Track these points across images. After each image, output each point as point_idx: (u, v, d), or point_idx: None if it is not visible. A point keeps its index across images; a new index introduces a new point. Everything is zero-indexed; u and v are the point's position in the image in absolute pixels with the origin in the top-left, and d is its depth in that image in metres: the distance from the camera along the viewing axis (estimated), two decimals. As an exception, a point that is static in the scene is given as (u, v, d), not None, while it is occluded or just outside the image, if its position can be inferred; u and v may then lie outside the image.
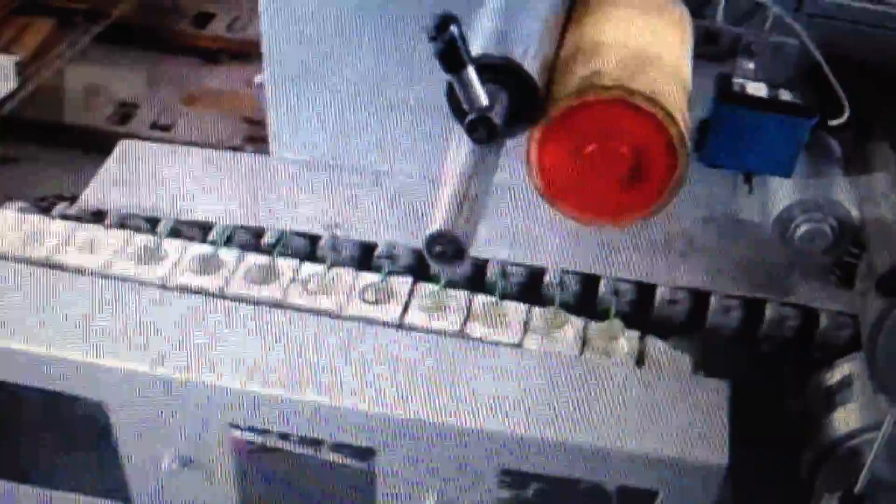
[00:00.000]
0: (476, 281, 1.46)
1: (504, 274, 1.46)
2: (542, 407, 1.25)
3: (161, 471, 1.33)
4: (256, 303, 1.37)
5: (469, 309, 1.38)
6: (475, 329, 1.35)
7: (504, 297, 1.41)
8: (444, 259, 0.96)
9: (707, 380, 1.30)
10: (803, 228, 1.22)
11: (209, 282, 1.39)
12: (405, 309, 1.38)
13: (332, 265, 1.43)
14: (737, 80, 1.05)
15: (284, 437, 1.33)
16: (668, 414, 1.25)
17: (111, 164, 1.60)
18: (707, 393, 1.27)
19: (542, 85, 0.95)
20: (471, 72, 0.88)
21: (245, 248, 1.46)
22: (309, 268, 1.42)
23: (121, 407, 1.31)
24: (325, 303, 1.38)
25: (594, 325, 1.38)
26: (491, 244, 1.42)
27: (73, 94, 2.39)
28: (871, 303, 1.22)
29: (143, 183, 1.54)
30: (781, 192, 1.23)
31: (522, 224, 1.45)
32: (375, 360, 1.31)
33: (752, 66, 1.20)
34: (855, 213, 1.21)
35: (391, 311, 1.37)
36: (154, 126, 2.32)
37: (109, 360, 1.28)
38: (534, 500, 1.34)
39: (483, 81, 0.90)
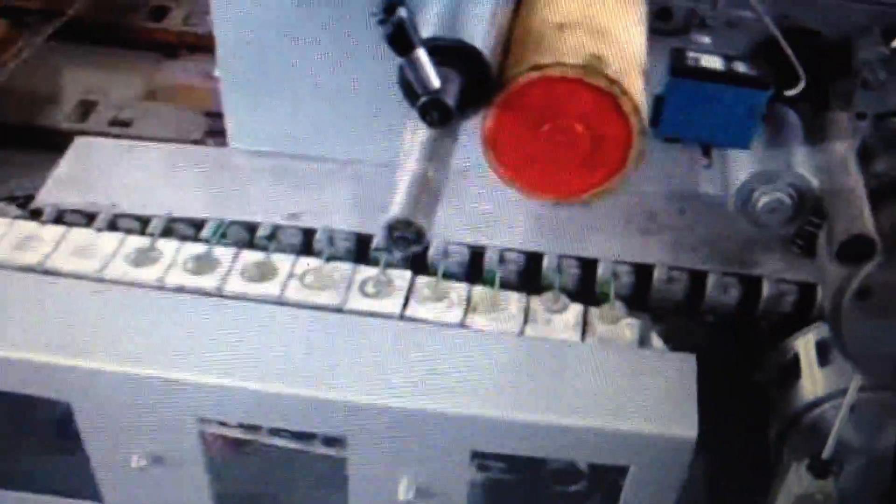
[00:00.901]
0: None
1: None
2: (512, 388, 1.26)
3: (131, 469, 1.32)
4: (244, 299, 1.37)
5: (469, 299, 1.38)
6: (475, 320, 1.35)
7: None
8: (403, 244, 0.96)
9: (674, 354, 1.31)
10: (763, 200, 1.22)
11: (205, 282, 1.39)
12: (406, 301, 1.38)
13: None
14: (691, 54, 1.04)
15: (254, 428, 1.32)
16: (636, 390, 1.25)
17: (66, 163, 1.58)
18: (674, 367, 1.28)
19: (496, 65, 0.95)
20: (421, 54, 0.87)
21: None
22: (305, 262, 1.41)
23: (87, 407, 1.29)
24: (324, 297, 1.37)
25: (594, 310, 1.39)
26: (451, 227, 1.42)
27: (28, 93, 2.36)
28: (832, 271, 1.23)
29: (98, 180, 1.52)
30: (741, 165, 1.22)
31: (483, 205, 1.44)
32: (344, 349, 1.30)
33: (707, 39, 1.20)
34: (814, 183, 1.22)
35: (391, 304, 1.37)
36: (114, 123, 2.29)
37: (72, 360, 1.27)
38: (507, 480, 1.34)
39: (435, 63, 0.89)
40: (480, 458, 1.30)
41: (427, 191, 0.96)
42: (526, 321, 1.35)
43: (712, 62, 1.03)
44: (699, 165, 1.10)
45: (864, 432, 1.38)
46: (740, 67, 1.03)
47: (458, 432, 1.25)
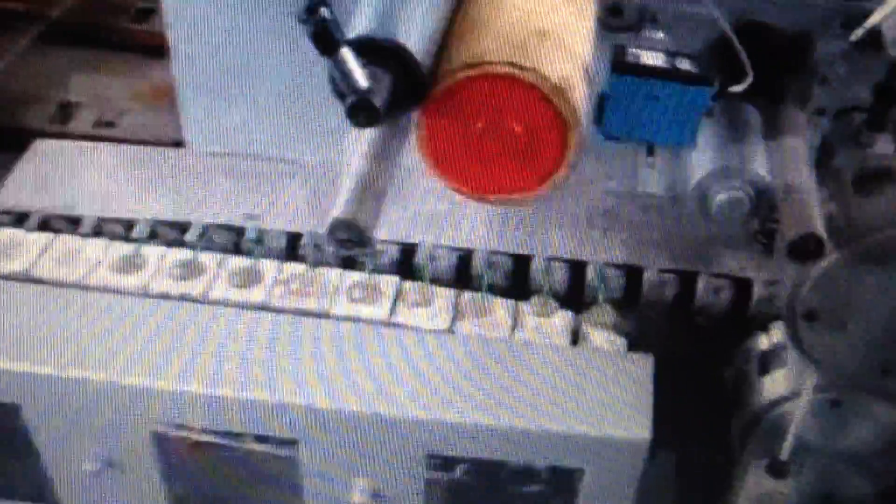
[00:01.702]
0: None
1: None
2: (466, 391, 1.24)
3: (83, 472, 1.31)
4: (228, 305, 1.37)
5: (457, 303, 1.38)
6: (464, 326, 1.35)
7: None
8: (347, 246, 0.95)
9: (632, 355, 1.29)
10: (721, 198, 1.21)
11: (190, 288, 1.38)
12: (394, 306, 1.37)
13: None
14: (632, 51, 1.03)
15: (207, 430, 1.32)
16: (592, 391, 1.24)
17: (24, 164, 1.58)
18: (631, 368, 1.27)
19: (428, 63, 0.93)
20: (346, 54, 0.86)
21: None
22: (292, 268, 1.41)
23: (37, 411, 1.29)
24: (310, 303, 1.37)
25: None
26: (409, 228, 1.41)
27: (12, 96, 2.36)
28: (787, 269, 1.22)
29: (57, 182, 1.52)
30: (697, 163, 1.21)
31: (441, 206, 1.44)
32: (302, 353, 1.30)
33: (660, 36, 1.18)
34: (771, 179, 1.20)
35: (378, 310, 1.36)
36: (98, 124, 2.29)
37: (21, 364, 1.26)
38: (464, 481, 1.33)
39: (365, 63, 0.88)
40: (436, 461, 1.29)
41: (371, 191, 0.95)
42: (515, 326, 1.35)
43: (654, 59, 1.01)
44: (643, 165, 1.09)
45: (824, 432, 1.37)
46: (683, 64, 1.02)
47: (412, 436, 1.24)
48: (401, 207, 1.45)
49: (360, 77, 0.87)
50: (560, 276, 1.44)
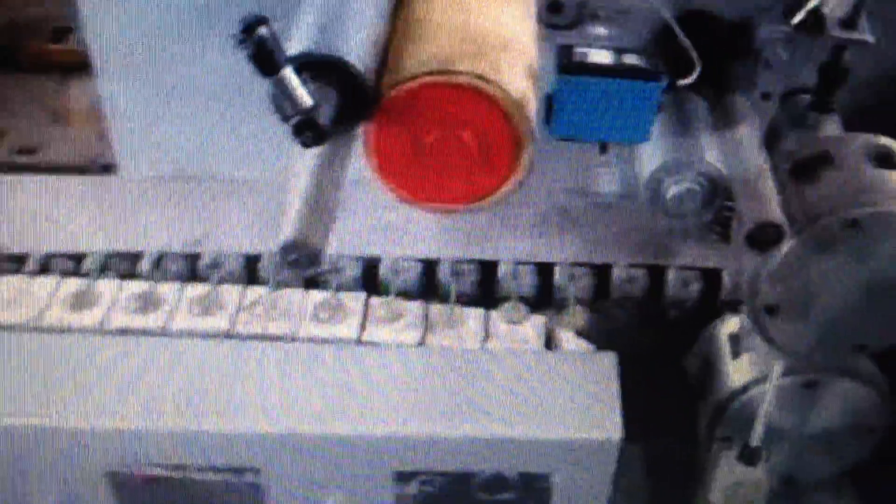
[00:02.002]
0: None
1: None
2: (431, 404, 1.22)
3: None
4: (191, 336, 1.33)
5: (427, 317, 1.36)
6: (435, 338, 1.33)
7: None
8: (299, 266, 0.92)
9: (596, 354, 1.28)
10: (673, 190, 1.20)
11: (150, 321, 1.34)
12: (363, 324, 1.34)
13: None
14: (579, 50, 1.01)
15: (165, 466, 1.27)
16: (558, 394, 1.23)
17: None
18: (597, 368, 1.25)
19: (372, 76, 0.90)
20: (288, 73, 0.83)
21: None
22: (254, 292, 1.38)
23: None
24: (275, 327, 1.34)
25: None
26: (361, 239, 1.38)
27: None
28: (746, 257, 1.21)
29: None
30: (648, 156, 1.20)
31: (392, 215, 1.41)
32: (262, 378, 1.26)
33: (601, 31, 1.16)
34: (723, 169, 1.19)
35: (346, 329, 1.34)
36: (21, 151, 2.21)
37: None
38: (434, 494, 1.31)
39: (307, 80, 0.85)
40: (405, 475, 1.26)
41: (320, 209, 0.92)
42: (487, 336, 1.34)
43: (601, 57, 1.00)
44: (595, 163, 1.07)
45: (792, 415, 1.37)
46: (631, 60, 1.00)
47: (379, 454, 1.22)
48: (358, 220, 1.41)
49: (304, 96, 0.84)
50: (527, 279, 1.42)
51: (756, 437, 1.29)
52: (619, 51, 1.01)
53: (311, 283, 1.40)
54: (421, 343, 1.31)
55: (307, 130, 0.84)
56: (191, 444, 1.20)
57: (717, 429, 1.37)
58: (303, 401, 1.22)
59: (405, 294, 1.40)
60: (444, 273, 1.42)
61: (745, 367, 1.36)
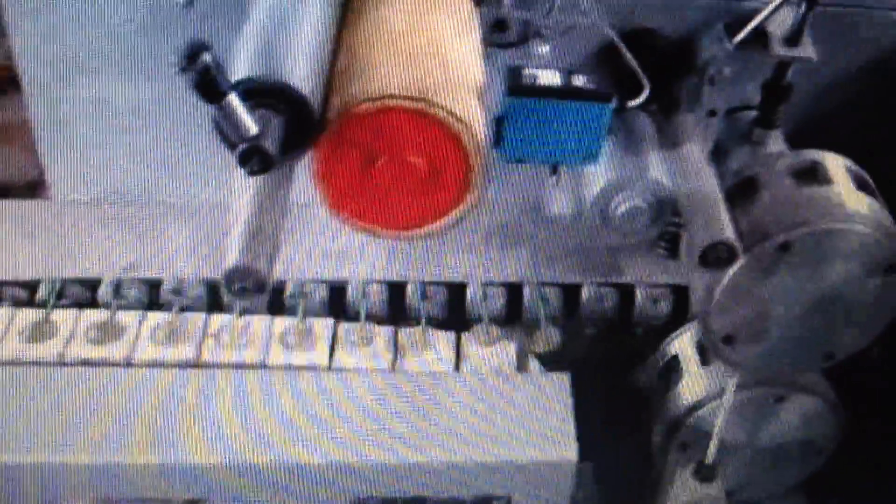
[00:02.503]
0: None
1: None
2: (385, 430, 1.20)
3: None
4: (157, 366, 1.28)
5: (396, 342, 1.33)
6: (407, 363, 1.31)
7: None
8: (245, 294, 0.90)
9: (548, 375, 1.27)
10: (622, 208, 1.20)
11: (112, 351, 1.29)
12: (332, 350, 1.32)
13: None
14: (528, 71, 1.00)
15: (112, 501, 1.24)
16: (512, 417, 1.21)
17: None
18: (550, 388, 1.24)
19: (318, 102, 0.89)
20: (233, 100, 0.80)
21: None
22: (218, 319, 1.33)
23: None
24: (245, 355, 1.30)
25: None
26: (299, 263, 1.36)
27: None
28: (698, 275, 1.21)
29: None
30: (596, 175, 1.20)
31: (330, 240, 1.39)
32: (223, 407, 1.22)
33: (546, 49, 1.16)
34: (671, 186, 1.20)
35: (316, 355, 1.31)
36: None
37: None
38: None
39: (252, 107, 0.83)
40: (363, 502, 1.24)
41: (265, 235, 0.90)
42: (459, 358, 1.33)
43: (550, 78, 0.99)
44: (547, 184, 1.07)
45: (746, 430, 1.37)
46: (580, 81, 0.99)
47: (336, 481, 1.19)
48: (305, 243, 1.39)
49: (249, 123, 0.82)
50: (498, 300, 1.42)
51: (711, 453, 1.30)
52: (567, 72, 1.00)
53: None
54: (392, 368, 1.30)
55: (254, 158, 0.83)
56: (137, 476, 1.16)
57: (671, 445, 1.37)
58: (259, 430, 1.19)
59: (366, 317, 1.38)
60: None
61: (699, 383, 1.36)
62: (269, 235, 0.90)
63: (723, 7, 1.22)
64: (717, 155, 1.27)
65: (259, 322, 1.34)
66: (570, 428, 1.20)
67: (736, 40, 1.19)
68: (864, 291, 1.18)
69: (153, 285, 1.38)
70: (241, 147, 0.82)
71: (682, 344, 1.41)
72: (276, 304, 1.39)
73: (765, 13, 1.17)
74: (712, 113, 1.24)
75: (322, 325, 1.33)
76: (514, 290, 1.42)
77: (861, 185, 1.18)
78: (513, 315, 1.42)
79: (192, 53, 0.77)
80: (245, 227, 0.90)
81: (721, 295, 1.18)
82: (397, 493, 1.21)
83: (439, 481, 1.19)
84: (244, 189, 0.92)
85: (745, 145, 1.28)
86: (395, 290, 1.41)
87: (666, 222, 1.24)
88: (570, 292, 1.44)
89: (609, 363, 1.46)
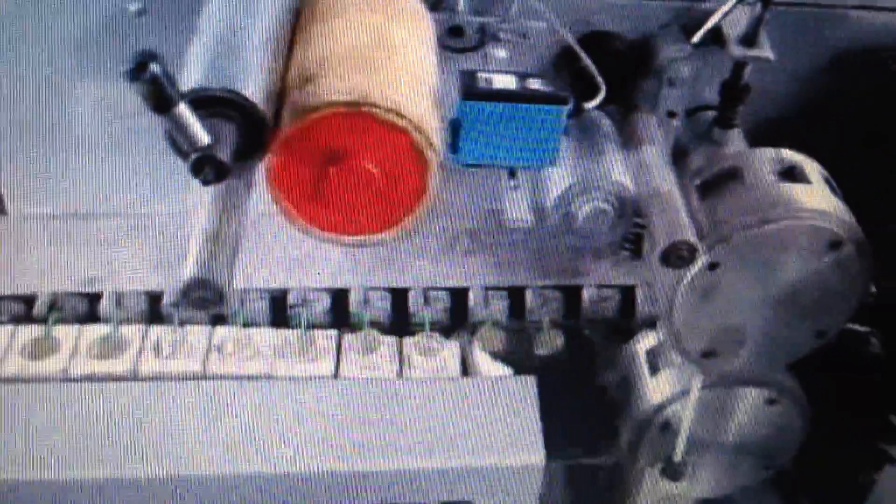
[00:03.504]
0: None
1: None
2: (348, 438, 1.19)
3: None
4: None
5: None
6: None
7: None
8: (203, 305, 0.89)
9: (514, 378, 1.27)
10: (584, 210, 1.20)
11: (116, 365, 1.28)
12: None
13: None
14: (482, 75, 1.00)
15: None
16: (478, 421, 1.21)
17: None
18: (516, 392, 1.25)
19: (270, 110, 0.88)
20: (183, 109, 0.80)
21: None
22: (222, 331, 1.33)
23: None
24: (251, 367, 1.30)
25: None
26: (262, 272, 1.36)
27: None
28: (661, 274, 1.22)
29: None
30: (557, 177, 1.20)
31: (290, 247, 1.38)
32: (173, 419, 1.22)
33: (503, 54, 1.17)
34: (631, 186, 1.20)
35: (322, 366, 1.31)
36: None
37: None
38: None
39: (203, 117, 0.83)
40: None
41: (223, 245, 0.90)
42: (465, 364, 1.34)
43: (505, 81, 0.99)
44: (506, 187, 1.07)
45: (713, 428, 1.38)
46: (535, 84, 0.99)
47: (295, 492, 1.18)
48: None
49: (200, 132, 0.81)
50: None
51: (679, 452, 1.30)
52: (523, 75, 1.00)
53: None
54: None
55: (207, 168, 0.82)
56: (95, 493, 1.16)
57: (639, 445, 1.38)
58: (214, 441, 1.18)
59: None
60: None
61: (664, 382, 1.37)
62: (228, 245, 0.90)
63: (679, 8, 1.23)
64: (678, 155, 1.28)
65: (263, 333, 1.35)
66: (537, 431, 1.20)
67: (693, 41, 1.20)
68: (828, 278, 1.19)
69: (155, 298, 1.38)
70: (194, 157, 0.82)
71: (650, 343, 1.42)
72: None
73: (720, 13, 1.18)
74: (671, 114, 1.25)
75: (324, 337, 1.34)
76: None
77: (832, 188, 1.19)
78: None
79: (141, 63, 0.76)
80: (202, 238, 0.90)
81: (684, 312, 1.19)
82: (363, 502, 1.21)
83: (406, 488, 1.19)
84: (201, 199, 0.92)
85: (705, 145, 1.29)
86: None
87: (629, 224, 1.24)
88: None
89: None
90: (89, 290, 1.34)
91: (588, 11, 1.22)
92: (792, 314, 1.21)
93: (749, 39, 1.19)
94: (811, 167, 1.19)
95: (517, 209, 1.06)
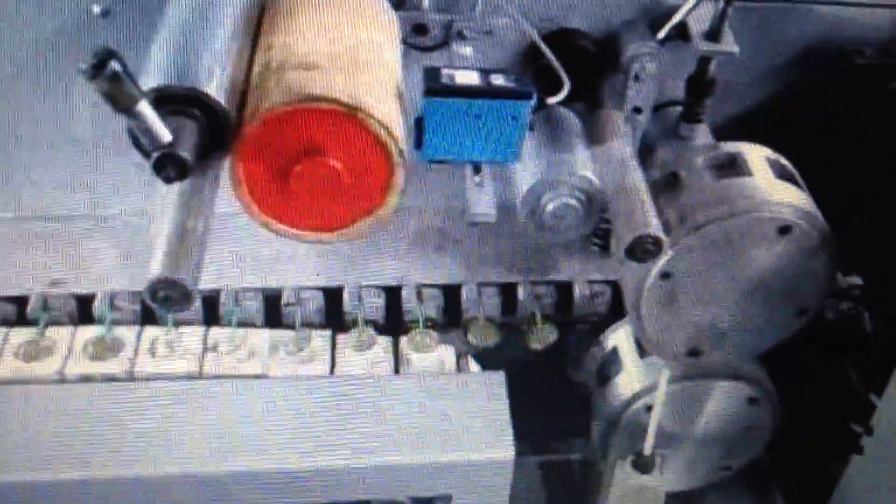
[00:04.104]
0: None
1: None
2: (322, 435, 1.20)
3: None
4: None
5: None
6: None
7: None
8: (169, 304, 0.89)
9: (483, 374, 1.28)
10: (551, 206, 1.21)
11: (114, 366, 1.30)
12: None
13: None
14: (446, 72, 1.01)
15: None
16: (449, 417, 1.22)
17: None
18: (486, 388, 1.25)
19: (233, 108, 0.89)
20: (144, 107, 0.80)
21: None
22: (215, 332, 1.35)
23: None
24: (247, 367, 1.32)
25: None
26: (231, 271, 1.36)
27: None
28: (628, 269, 1.23)
29: None
30: (524, 173, 1.21)
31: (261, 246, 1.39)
32: (153, 418, 1.22)
33: (469, 51, 1.17)
34: (598, 182, 1.21)
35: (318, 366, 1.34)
36: None
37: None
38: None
39: (165, 115, 0.83)
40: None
41: (188, 244, 0.90)
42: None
43: (468, 77, 0.99)
44: (470, 183, 1.07)
45: (682, 421, 1.39)
46: (498, 80, 1.00)
47: (274, 489, 1.19)
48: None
49: (162, 130, 0.82)
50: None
51: (649, 445, 1.31)
52: (486, 71, 1.01)
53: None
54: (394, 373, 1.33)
55: (169, 166, 0.83)
56: (70, 492, 1.16)
57: (610, 439, 1.39)
58: (193, 440, 1.18)
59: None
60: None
61: (634, 377, 1.38)
62: (194, 244, 0.90)
63: (647, 5, 1.24)
64: (646, 150, 1.29)
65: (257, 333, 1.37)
66: (507, 426, 1.21)
67: (658, 37, 1.21)
68: (791, 260, 1.20)
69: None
70: (156, 155, 0.82)
71: (620, 337, 1.43)
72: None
73: (685, 9, 1.19)
74: (638, 110, 1.26)
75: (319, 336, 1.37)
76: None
77: (782, 175, 1.19)
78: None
79: (100, 61, 0.77)
80: (169, 236, 0.89)
81: (652, 323, 1.22)
82: (338, 498, 1.22)
83: (379, 484, 1.20)
84: (167, 198, 0.92)
85: (673, 140, 1.30)
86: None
87: (597, 219, 1.25)
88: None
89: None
90: (53, 291, 1.33)
91: (552, 9, 1.22)
92: (766, 300, 1.22)
93: (713, 34, 1.20)
94: (755, 156, 1.20)
95: (481, 205, 1.06)
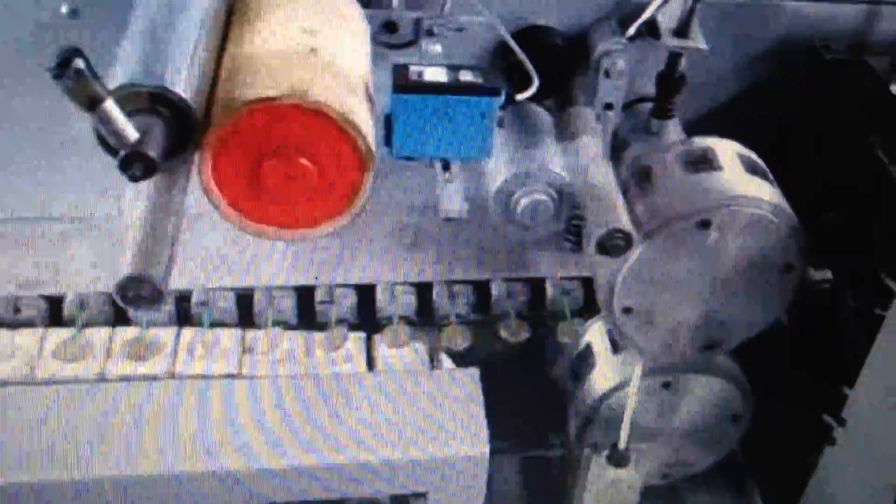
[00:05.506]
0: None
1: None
2: (296, 433, 1.20)
3: None
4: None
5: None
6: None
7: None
8: (140, 303, 0.89)
9: (458, 371, 1.29)
10: (523, 202, 1.22)
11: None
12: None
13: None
14: (414, 68, 1.01)
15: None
16: (423, 413, 1.22)
17: None
18: (460, 384, 1.26)
19: (200, 106, 0.89)
20: (110, 106, 0.80)
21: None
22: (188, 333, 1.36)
23: None
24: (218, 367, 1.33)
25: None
26: (204, 271, 1.36)
27: None
28: (600, 264, 1.23)
29: None
30: (495, 170, 1.22)
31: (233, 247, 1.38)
32: (128, 418, 1.22)
33: (438, 48, 1.18)
34: (569, 178, 1.21)
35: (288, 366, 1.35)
36: None
37: None
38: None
39: (131, 113, 0.83)
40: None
41: (159, 243, 0.90)
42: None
43: (436, 74, 1.00)
44: (440, 181, 1.08)
45: (658, 414, 1.40)
46: (466, 76, 1.01)
47: (250, 488, 1.19)
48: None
49: (128, 128, 0.81)
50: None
51: (623, 439, 1.32)
52: (454, 68, 1.02)
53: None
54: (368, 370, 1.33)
55: (135, 164, 0.82)
56: (52, 494, 1.16)
57: (586, 433, 1.39)
58: (167, 440, 1.18)
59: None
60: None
61: (609, 371, 1.38)
62: (164, 242, 0.90)
63: (616, 2, 1.25)
64: (618, 146, 1.30)
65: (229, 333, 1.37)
66: (482, 422, 1.21)
67: (628, 34, 1.22)
68: (760, 260, 1.21)
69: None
70: (122, 153, 0.82)
71: (594, 333, 1.43)
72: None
73: (654, 6, 1.20)
74: (609, 106, 1.26)
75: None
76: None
77: (752, 169, 1.20)
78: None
79: (65, 59, 0.77)
80: (139, 235, 0.89)
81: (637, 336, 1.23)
82: (314, 496, 1.22)
83: (355, 482, 1.20)
84: (137, 197, 0.92)
85: (644, 135, 1.30)
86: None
87: (569, 215, 1.26)
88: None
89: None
90: (29, 293, 1.33)
91: (522, 6, 1.23)
92: (736, 294, 1.23)
93: (682, 30, 1.20)
94: (726, 151, 1.21)
95: (451, 201, 1.07)
